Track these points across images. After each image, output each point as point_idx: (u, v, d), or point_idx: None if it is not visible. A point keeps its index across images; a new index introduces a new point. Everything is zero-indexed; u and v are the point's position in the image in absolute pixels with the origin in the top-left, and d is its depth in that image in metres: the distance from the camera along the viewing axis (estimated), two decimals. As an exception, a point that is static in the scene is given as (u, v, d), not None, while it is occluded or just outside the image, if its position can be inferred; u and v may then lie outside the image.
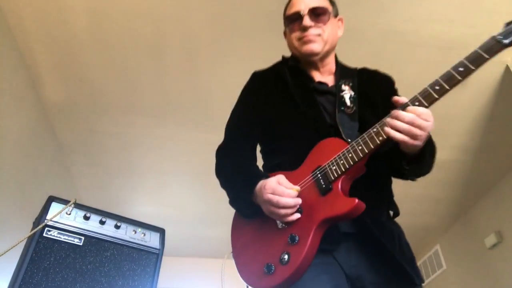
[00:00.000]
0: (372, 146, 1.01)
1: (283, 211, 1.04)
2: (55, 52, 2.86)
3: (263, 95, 1.33)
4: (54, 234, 1.77)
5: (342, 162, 1.04)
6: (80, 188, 4.18)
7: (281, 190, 1.04)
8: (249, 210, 1.16)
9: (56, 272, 1.71)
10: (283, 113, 1.27)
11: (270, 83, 1.35)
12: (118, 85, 3.12)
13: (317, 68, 1.34)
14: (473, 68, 0.93)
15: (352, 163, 1.03)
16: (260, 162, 1.33)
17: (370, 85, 1.31)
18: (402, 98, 1.02)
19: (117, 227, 1.97)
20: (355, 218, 1.01)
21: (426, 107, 0.98)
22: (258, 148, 1.37)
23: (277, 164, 1.22)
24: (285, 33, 1.42)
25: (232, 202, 1.24)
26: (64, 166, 3.85)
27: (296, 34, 1.31)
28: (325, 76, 1.35)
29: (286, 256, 1.01)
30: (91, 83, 3.09)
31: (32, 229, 1.74)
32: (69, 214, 1.86)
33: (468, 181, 3.98)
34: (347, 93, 1.25)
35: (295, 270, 0.98)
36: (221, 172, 1.31)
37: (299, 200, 1.05)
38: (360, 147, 1.03)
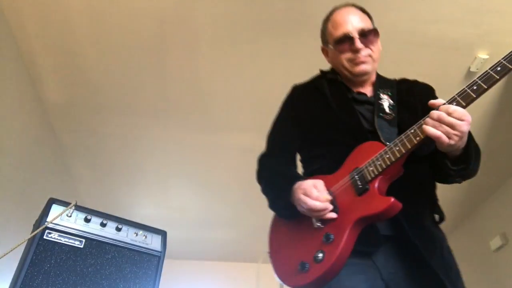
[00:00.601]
0: (409, 146, 1.02)
1: (314, 213, 1.07)
2: (56, 52, 2.85)
3: (303, 108, 1.39)
4: (54, 236, 1.75)
5: (379, 163, 1.06)
6: (81, 190, 4.16)
7: (310, 192, 1.08)
8: (287, 211, 1.19)
9: (56, 275, 1.69)
10: (322, 122, 1.31)
11: (310, 95, 1.40)
12: (119, 86, 3.11)
13: (357, 82, 1.38)
14: (511, 67, 0.94)
15: (389, 163, 1.04)
16: (300, 171, 1.37)
17: (409, 93, 1.34)
18: (438, 100, 1.03)
19: (118, 229, 1.95)
20: (395, 221, 1.01)
21: (464, 107, 0.99)
22: (298, 157, 1.41)
23: (316, 169, 1.26)
24: (324, 50, 1.46)
25: (271, 205, 1.28)
26: (64, 168, 3.84)
27: (347, 56, 1.33)
28: (364, 87, 1.38)
29: (320, 255, 1.02)
30: (92, 83, 3.08)
31: (32, 231, 1.72)
32: (70, 216, 1.84)
33: (473, 183, 3.89)
34: (386, 101, 1.28)
35: (329, 268, 0.99)
36: (262, 177, 1.38)
37: (329, 206, 1.07)
38: (397, 148, 1.04)
